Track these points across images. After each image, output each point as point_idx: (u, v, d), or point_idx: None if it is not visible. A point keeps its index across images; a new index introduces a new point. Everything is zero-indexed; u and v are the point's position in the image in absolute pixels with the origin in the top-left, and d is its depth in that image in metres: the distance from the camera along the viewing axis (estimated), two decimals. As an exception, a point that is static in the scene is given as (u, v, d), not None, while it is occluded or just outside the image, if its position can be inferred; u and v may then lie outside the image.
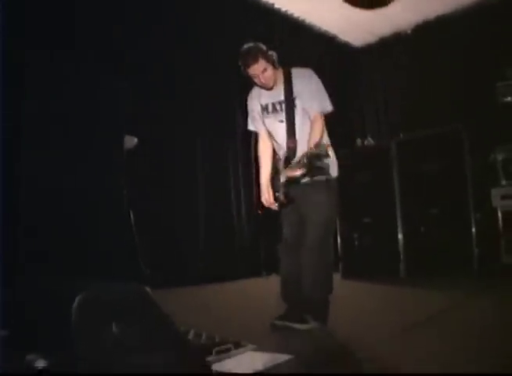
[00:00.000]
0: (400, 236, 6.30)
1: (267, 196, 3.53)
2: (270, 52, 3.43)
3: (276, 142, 3.61)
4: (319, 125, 3.38)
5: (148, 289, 1.99)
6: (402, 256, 6.25)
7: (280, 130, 3.51)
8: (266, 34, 7.22)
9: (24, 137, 4.68)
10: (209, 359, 2.34)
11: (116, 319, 1.83)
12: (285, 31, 7.88)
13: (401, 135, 6.72)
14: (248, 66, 3.39)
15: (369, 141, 7.01)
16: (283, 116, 3.49)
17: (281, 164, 3.48)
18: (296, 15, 7.91)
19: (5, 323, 2.01)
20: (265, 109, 3.59)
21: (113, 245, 5.03)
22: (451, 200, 6.00)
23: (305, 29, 8.15)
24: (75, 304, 1.74)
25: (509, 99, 6.54)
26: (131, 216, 5.23)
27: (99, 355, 1.77)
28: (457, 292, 4.72)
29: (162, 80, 6.18)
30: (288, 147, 3.43)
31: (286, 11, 7.75)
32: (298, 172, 3.18)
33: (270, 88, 3.51)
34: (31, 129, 4.73)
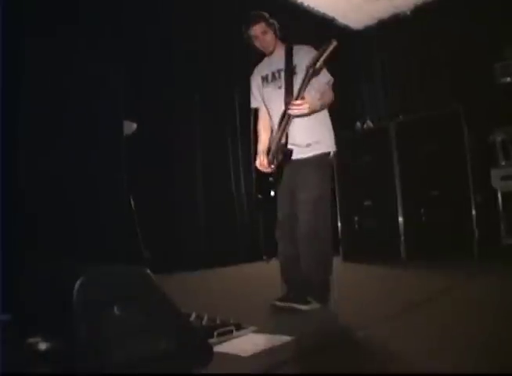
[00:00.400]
0: (400, 218, 6.31)
1: (261, 159, 3.58)
2: (272, 20, 3.55)
3: (273, 112, 3.63)
4: (330, 95, 3.46)
5: (149, 271, 2.00)
6: (402, 238, 6.26)
7: (278, 97, 3.52)
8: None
9: (23, 124, 4.68)
10: (211, 341, 2.35)
11: (117, 301, 1.83)
12: (284, 14, 7.81)
13: (400, 117, 6.70)
14: (249, 26, 3.52)
15: (369, 124, 6.99)
16: (281, 82, 3.51)
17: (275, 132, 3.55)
18: (293, -3, 7.87)
19: (7, 307, 2.02)
20: (264, 79, 3.66)
21: (113, 230, 5.04)
22: (451, 182, 5.99)
23: (304, 12, 8.09)
24: (76, 286, 1.74)
25: (507, 79, 6.52)
26: (132, 201, 5.24)
27: (101, 337, 1.78)
28: (458, 273, 4.73)
29: (160, 64, 6.16)
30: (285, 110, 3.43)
31: (283, -7, 7.71)
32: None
33: (270, 53, 3.62)
34: (30, 115, 4.72)
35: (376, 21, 8.68)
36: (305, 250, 3.39)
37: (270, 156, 3.53)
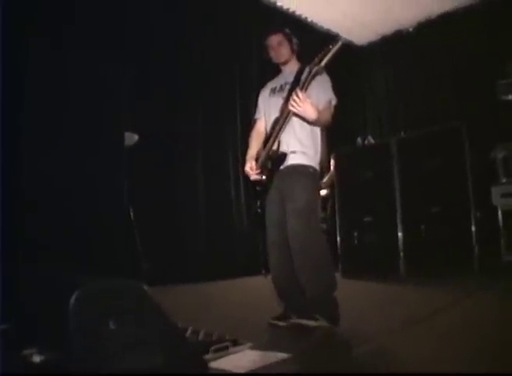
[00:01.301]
0: (400, 234, 6.29)
1: (250, 164, 3.56)
2: (293, 38, 3.61)
3: (270, 121, 3.57)
4: (327, 114, 3.34)
5: (146, 286, 1.99)
6: (402, 254, 6.24)
7: (278, 106, 3.49)
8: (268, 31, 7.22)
9: (25, 132, 4.69)
10: (206, 356, 2.34)
11: (113, 315, 1.82)
12: (288, 30, 7.87)
13: (402, 133, 6.71)
14: (268, 35, 3.61)
15: (370, 140, 7.00)
16: (286, 93, 3.45)
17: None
18: (298, 13, 7.92)
19: (3, 317, 2.01)
20: (272, 90, 3.66)
21: (112, 241, 5.04)
22: (451, 198, 5.99)
23: (308, 27, 8.15)
24: (72, 300, 1.73)
25: (509, 97, 6.53)
26: (131, 212, 5.24)
27: (97, 351, 1.77)
28: (457, 290, 4.71)
29: (164, 75, 6.19)
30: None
31: (288, 9, 7.76)
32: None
33: (283, 65, 3.62)
34: (30, 124, 4.73)
35: (379, 37, 8.74)
36: (298, 268, 3.28)
37: (259, 161, 3.51)
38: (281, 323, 3.30)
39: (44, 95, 4.80)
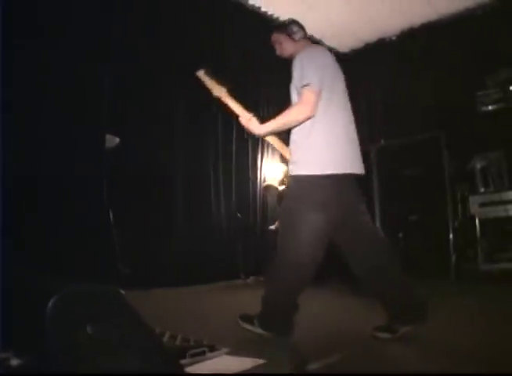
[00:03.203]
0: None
1: None
2: (288, 26, 3.55)
3: None
4: (294, 109, 3.07)
5: (122, 291, 2.00)
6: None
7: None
8: (252, 37, 7.27)
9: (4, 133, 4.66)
10: (183, 361, 2.35)
11: (90, 320, 1.83)
12: (268, 34, 7.89)
13: (382, 141, 6.77)
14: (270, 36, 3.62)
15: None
16: None
17: None
18: (282, 19, 7.92)
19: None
20: None
21: (91, 244, 5.01)
22: (429, 207, 6.06)
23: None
24: (49, 305, 1.73)
25: (488, 108, 6.63)
26: (111, 215, 5.22)
27: (73, 356, 1.78)
28: (434, 298, 4.75)
29: (144, 76, 6.18)
30: None
31: (272, 15, 7.78)
32: None
33: (290, 58, 3.37)
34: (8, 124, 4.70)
35: (362, 44, 8.79)
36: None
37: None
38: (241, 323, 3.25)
39: (21, 96, 4.77)
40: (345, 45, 8.86)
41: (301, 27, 3.52)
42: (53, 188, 4.84)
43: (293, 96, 3.16)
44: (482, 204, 5.95)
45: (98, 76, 5.38)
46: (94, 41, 5.41)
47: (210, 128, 7.14)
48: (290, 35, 3.48)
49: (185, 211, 6.58)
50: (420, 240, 6.04)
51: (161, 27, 6.41)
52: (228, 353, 2.63)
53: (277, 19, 7.86)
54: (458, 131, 6.51)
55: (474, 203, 6.02)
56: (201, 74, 3.38)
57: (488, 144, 6.24)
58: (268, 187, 7.26)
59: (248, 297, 3.85)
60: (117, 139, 5.29)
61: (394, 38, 8.43)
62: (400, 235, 6.20)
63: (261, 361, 2.45)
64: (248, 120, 3.22)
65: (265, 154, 7.95)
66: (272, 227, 6.88)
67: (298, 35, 3.47)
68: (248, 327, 3.19)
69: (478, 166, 6.16)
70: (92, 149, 5.23)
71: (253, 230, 7.44)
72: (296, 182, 3.09)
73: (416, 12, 7.68)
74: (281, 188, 7.17)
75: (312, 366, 2.26)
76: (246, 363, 2.43)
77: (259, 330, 3.15)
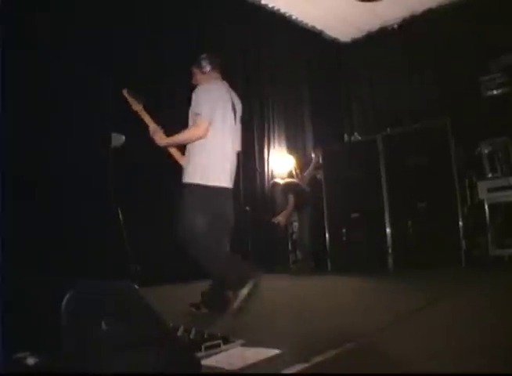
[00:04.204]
0: (388, 230, 6.34)
1: None
2: (199, 61, 3.97)
3: None
4: (189, 131, 3.80)
5: (136, 286, 2.01)
6: (390, 250, 6.29)
7: None
8: (253, 29, 7.25)
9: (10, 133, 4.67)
10: (199, 354, 2.36)
11: (105, 317, 1.83)
12: (272, 27, 7.88)
13: (388, 129, 6.75)
14: None
15: (356, 137, 7.03)
16: None
17: None
18: (283, 10, 7.92)
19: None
20: None
21: (101, 242, 5.03)
22: (438, 194, 6.04)
23: (292, 24, 8.16)
24: (64, 302, 1.74)
25: (493, 92, 6.59)
26: (120, 213, 5.22)
27: (89, 352, 1.78)
28: (445, 284, 4.75)
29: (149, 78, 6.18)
30: None
31: (273, 7, 7.76)
32: None
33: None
34: (18, 125, 4.71)
35: (364, 34, 8.75)
36: None
37: None
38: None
39: (28, 97, 4.78)
40: (346, 34, 8.83)
41: (212, 61, 3.99)
42: (62, 188, 4.86)
43: (190, 120, 3.83)
44: (491, 190, 5.93)
45: (100, 75, 5.38)
46: (95, 40, 5.42)
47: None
48: (200, 69, 3.99)
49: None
50: (429, 227, 6.02)
51: (161, 27, 6.40)
52: (243, 345, 2.64)
53: (278, 11, 7.86)
54: (464, 117, 6.49)
55: (482, 188, 6.01)
56: (125, 92, 3.97)
57: (494, 129, 6.21)
58: (276, 185, 7.22)
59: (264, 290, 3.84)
60: (123, 138, 5.28)
61: (395, 27, 8.39)
62: (409, 223, 6.19)
63: (275, 351, 2.45)
64: (154, 131, 3.93)
65: (272, 145, 7.90)
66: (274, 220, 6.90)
67: (207, 68, 3.98)
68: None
69: (485, 151, 6.14)
70: (99, 147, 5.23)
71: (260, 224, 7.42)
72: (189, 190, 3.82)
73: (416, 0, 7.66)
74: (286, 180, 7.15)
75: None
76: (261, 353, 2.43)
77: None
